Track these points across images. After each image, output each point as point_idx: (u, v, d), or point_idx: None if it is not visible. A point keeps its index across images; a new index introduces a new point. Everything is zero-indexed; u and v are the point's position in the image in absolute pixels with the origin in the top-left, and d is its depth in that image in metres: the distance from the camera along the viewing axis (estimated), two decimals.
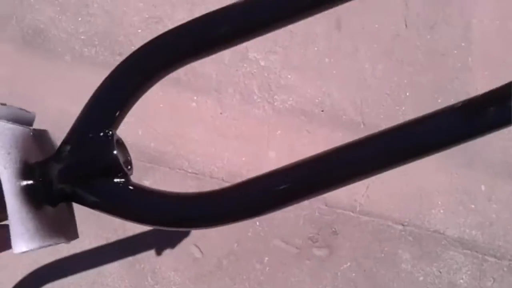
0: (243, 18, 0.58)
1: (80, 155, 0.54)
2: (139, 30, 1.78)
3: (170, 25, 1.73)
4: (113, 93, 0.59)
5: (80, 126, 0.57)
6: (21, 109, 0.56)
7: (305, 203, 1.62)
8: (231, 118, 1.71)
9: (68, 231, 0.56)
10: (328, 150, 0.54)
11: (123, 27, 1.78)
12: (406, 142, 0.56)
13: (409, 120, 0.54)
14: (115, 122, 0.56)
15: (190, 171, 1.64)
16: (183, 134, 1.67)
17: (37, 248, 0.46)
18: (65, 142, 0.56)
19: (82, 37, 1.76)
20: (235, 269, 1.57)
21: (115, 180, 0.52)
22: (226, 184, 1.58)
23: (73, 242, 1.51)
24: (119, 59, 1.70)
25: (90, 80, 1.71)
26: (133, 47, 1.75)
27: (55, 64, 1.73)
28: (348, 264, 1.58)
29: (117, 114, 0.55)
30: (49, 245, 0.49)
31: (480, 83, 1.80)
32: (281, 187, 0.55)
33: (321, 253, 1.59)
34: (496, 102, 0.51)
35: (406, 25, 1.87)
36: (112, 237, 1.57)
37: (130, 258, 1.57)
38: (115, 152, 0.52)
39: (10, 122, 0.52)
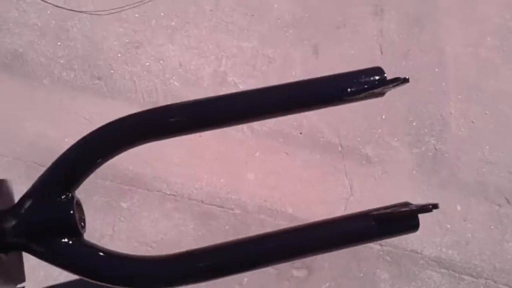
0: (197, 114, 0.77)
1: (39, 213, 0.66)
2: (119, 55, 1.95)
3: (150, 50, 1.92)
4: (78, 158, 0.73)
5: (43, 185, 0.69)
6: None
7: (284, 223, 1.77)
8: (210, 140, 1.87)
9: (16, 275, 0.69)
10: (249, 238, 0.72)
11: (103, 52, 1.95)
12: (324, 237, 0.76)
13: (330, 218, 0.75)
14: (76, 184, 0.70)
15: (168, 193, 1.78)
16: (162, 157, 1.82)
17: None
18: (26, 196, 0.68)
19: (61, 61, 1.93)
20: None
21: (69, 239, 0.65)
22: (205, 206, 1.72)
23: (52, 266, 1.61)
24: (98, 83, 1.87)
25: (68, 104, 1.87)
26: (112, 71, 1.93)
27: (34, 88, 1.89)
28: (327, 284, 1.72)
29: (79, 177, 0.69)
30: None
31: (454, 107, 2.02)
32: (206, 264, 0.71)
33: (300, 274, 1.73)
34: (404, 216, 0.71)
35: (381, 52, 2.10)
36: None
37: None
38: (72, 212, 0.66)
39: None
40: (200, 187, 1.80)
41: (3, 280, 0.64)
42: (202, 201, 1.79)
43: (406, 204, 0.72)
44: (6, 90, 1.88)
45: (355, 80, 0.76)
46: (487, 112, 2.03)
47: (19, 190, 1.65)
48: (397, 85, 0.74)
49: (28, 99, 1.88)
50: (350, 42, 2.10)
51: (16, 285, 0.66)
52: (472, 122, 2.01)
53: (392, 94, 2.02)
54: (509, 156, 1.96)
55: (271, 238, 0.72)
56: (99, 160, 0.72)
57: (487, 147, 1.97)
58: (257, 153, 1.87)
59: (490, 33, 2.18)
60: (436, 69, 2.09)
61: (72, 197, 0.67)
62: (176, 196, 1.79)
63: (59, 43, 1.97)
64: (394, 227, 0.72)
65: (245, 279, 1.71)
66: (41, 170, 1.84)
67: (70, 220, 0.64)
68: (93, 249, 0.67)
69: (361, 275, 1.75)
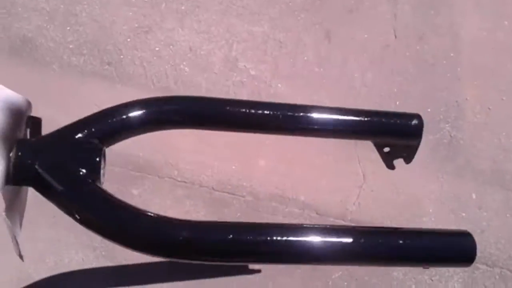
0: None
1: (69, 150, 0.64)
2: (128, 39, 1.93)
3: (160, 35, 1.90)
4: (123, 116, 0.71)
5: (74, 127, 0.68)
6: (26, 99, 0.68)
7: (296, 210, 1.75)
8: None
9: (17, 213, 0.67)
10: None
11: (112, 36, 1.92)
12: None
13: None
14: (110, 140, 0.68)
15: (179, 179, 1.77)
16: (172, 143, 1.80)
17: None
18: (53, 134, 0.66)
19: (71, 46, 1.91)
20: (226, 280, 1.68)
21: (88, 179, 0.63)
22: (216, 194, 1.71)
23: (62, 252, 1.61)
24: (108, 68, 1.85)
25: (78, 90, 1.85)
26: (122, 56, 1.90)
27: (43, 73, 1.87)
28: (340, 273, 1.70)
29: (115, 135, 0.68)
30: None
31: (470, 93, 1.97)
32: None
33: None
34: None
35: (395, 36, 2.05)
36: (99, 246, 1.67)
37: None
38: (98, 159, 0.63)
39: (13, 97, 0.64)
40: (211, 174, 1.79)
41: (8, 208, 0.62)
42: (213, 188, 1.77)
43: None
44: (15, 75, 1.86)
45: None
46: (504, 98, 1.98)
47: None
48: None
49: (37, 85, 1.86)
50: (363, 26, 2.06)
51: (11, 221, 0.63)
52: (489, 108, 1.97)
53: (407, 79, 1.98)
54: None
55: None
56: (142, 127, 0.71)
57: (504, 134, 1.93)
58: (268, 140, 1.85)
59: (507, 16, 2.12)
60: (452, 54, 2.05)
61: (101, 147, 0.65)
62: (187, 183, 1.77)
63: (68, 28, 1.94)
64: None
65: (256, 266, 1.70)
66: None
67: (95, 163, 0.61)
68: (113, 199, 0.62)
69: None
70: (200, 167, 1.80)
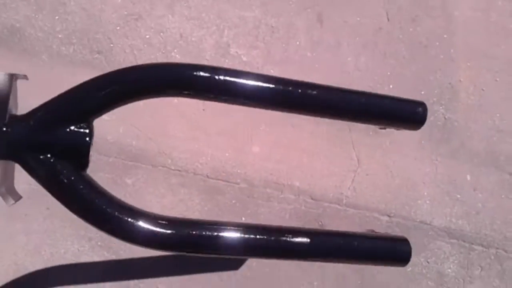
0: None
1: (56, 131, 0.64)
2: (118, 27, 1.90)
3: (150, 22, 1.87)
4: (106, 87, 0.70)
5: (71, 104, 0.67)
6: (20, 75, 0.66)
7: (291, 196, 1.75)
8: (214, 114, 1.83)
9: (8, 187, 0.66)
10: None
11: (102, 25, 1.90)
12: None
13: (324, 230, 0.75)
14: (96, 114, 0.67)
15: (173, 168, 1.76)
16: (166, 132, 1.79)
17: None
18: (40, 109, 0.65)
19: (60, 36, 1.88)
20: (222, 265, 1.68)
21: (75, 165, 0.62)
22: (210, 181, 1.70)
23: (58, 243, 1.60)
24: (97, 57, 1.83)
25: (68, 80, 1.82)
26: (112, 45, 1.88)
27: (32, 64, 1.85)
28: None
29: (102, 107, 0.67)
30: None
31: (463, 74, 1.97)
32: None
33: None
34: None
35: (388, 19, 2.03)
36: (94, 237, 1.67)
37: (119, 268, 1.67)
38: (88, 142, 0.63)
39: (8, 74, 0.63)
40: (205, 162, 1.78)
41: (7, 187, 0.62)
42: (207, 176, 1.77)
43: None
44: (4, 66, 1.84)
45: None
46: (498, 79, 1.98)
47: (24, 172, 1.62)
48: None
49: (27, 75, 1.84)
50: (355, 9, 2.04)
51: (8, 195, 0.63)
52: (482, 89, 1.96)
53: (400, 62, 1.97)
54: None
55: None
56: (125, 96, 0.70)
57: (498, 115, 1.93)
58: (262, 126, 1.84)
59: None
60: (445, 35, 2.03)
61: (91, 127, 0.65)
62: (181, 171, 1.77)
63: (56, 17, 1.92)
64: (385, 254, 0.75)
65: (254, 263, 1.70)
66: None
67: (85, 145, 0.61)
68: (95, 185, 0.63)
69: None
70: (194, 155, 1.79)
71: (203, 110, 1.84)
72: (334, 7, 2.03)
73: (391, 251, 0.76)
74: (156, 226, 0.64)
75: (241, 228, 0.67)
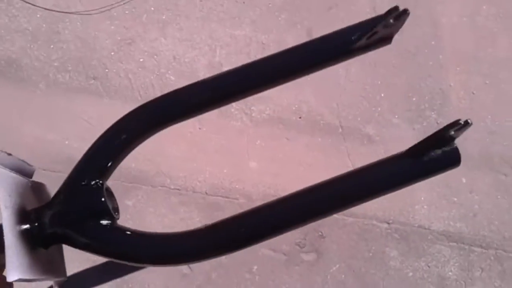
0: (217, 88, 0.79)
1: (72, 201, 0.69)
2: (112, 53, 1.95)
3: (143, 46, 1.92)
4: (106, 148, 0.75)
5: (74, 176, 0.73)
6: (23, 161, 0.72)
7: None
8: (210, 132, 1.87)
9: (57, 271, 0.71)
10: (294, 193, 0.74)
11: (96, 51, 1.95)
12: (362, 186, 0.76)
13: (365, 166, 0.74)
14: (106, 173, 0.72)
15: (172, 187, 1.79)
16: (163, 152, 1.82)
17: (27, 279, 0.60)
18: (59, 191, 0.71)
19: (55, 64, 1.93)
20: (224, 282, 1.70)
21: (103, 223, 0.67)
22: (210, 198, 1.73)
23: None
24: (93, 83, 1.87)
25: (66, 106, 1.87)
26: (107, 70, 1.92)
27: (30, 93, 1.89)
28: (337, 266, 1.73)
29: (108, 166, 0.72)
30: (39, 280, 0.63)
31: (453, 79, 2.00)
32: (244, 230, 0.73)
33: (309, 258, 1.73)
34: (441, 145, 0.70)
35: None
36: (99, 259, 1.69)
37: (118, 280, 1.69)
38: (103, 199, 0.68)
39: (13, 171, 0.68)
40: (203, 179, 1.81)
41: (44, 272, 0.66)
42: (206, 193, 1.80)
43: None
44: (2, 96, 1.88)
45: (356, 28, 0.77)
46: (487, 81, 2.01)
47: None
48: (398, 17, 0.71)
49: (25, 104, 1.88)
50: (343, 22, 2.07)
51: (58, 279, 0.68)
52: (473, 93, 1.99)
53: (390, 71, 2.01)
54: None
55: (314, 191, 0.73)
56: (124, 150, 0.75)
57: (489, 117, 1.96)
58: (258, 141, 1.87)
59: (485, 1, 2.14)
60: (433, 42, 2.07)
61: (102, 184, 0.69)
62: (180, 190, 1.80)
63: (51, 46, 1.96)
64: (434, 161, 0.71)
65: (255, 266, 1.72)
66: (45, 174, 1.86)
67: (100, 203, 0.67)
68: (129, 231, 0.68)
69: (370, 254, 1.75)
70: (193, 173, 1.82)
71: (199, 128, 1.87)
72: (322, 21, 2.07)
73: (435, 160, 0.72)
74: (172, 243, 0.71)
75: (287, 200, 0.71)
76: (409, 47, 2.05)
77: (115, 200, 0.71)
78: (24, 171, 0.71)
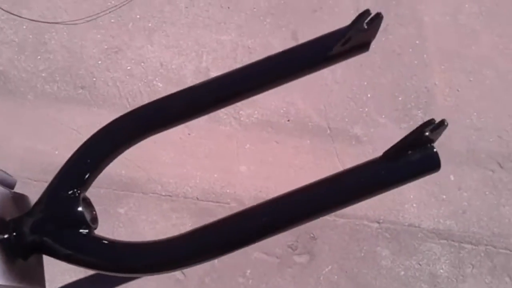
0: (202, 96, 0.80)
1: (51, 210, 0.70)
2: (99, 62, 1.95)
3: (130, 54, 1.92)
4: (84, 159, 0.76)
5: (53, 186, 0.73)
6: (4, 172, 0.72)
7: None
8: (200, 137, 1.87)
9: (36, 283, 0.72)
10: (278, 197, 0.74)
11: (83, 60, 1.95)
12: (340, 191, 0.76)
13: (341, 171, 0.74)
14: (84, 184, 0.72)
15: (163, 194, 1.79)
16: (153, 159, 1.82)
17: (1, 284, 0.60)
18: (39, 200, 0.72)
19: (43, 75, 1.93)
20: (217, 286, 1.70)
21: (80, 232, 0.68)
22: (201, 203, 1.73)
23: (55, 277, 1.62)
24: (81, 93, 1.87)
25: (55, 116, 1.87)
26: (94, 79, 1.92)
27: (19, 104, 1.89)
28: (329, 267, 1.73)
29: (86, 177, 0.73)
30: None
31: (438, 77, 2.02)
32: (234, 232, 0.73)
33: (302, 260, 1.74)
34: (419, 148, 0.70)
35: None
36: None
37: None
38: (80, 208, 0.69)
39: None
40: (194, 185, 1.81)
41: (22, 283, 0.66)
42: (197, 198, 1.80)
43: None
44: None
45: (332, 35, 0.77)
46: (471, 79, 2.03)
47: None
48: (372, 21, 0.71)
49: (14, 116, 1.88)
50: (327, 24, 2.09)
51: None
52: (458, 90, 2.01)
53: (376, 71, 2.02)
54: (497, 120, 1.97)
55: (290, 198, 0.73)
56: (103, 160, 0.75)
57: (475, 113, 1.98)
58: (247, 145, 1.88)
59: None
60: (417, 41, 2.09)
61: (79, 193, 0.70)
62: (171, 196, 1.80)
63: (38, 57, 1.96)
64: (413, 165, 0.71)
65: (248, 270, 1.73)
66: (35, 185, 1.84)
67: (77, 213, 0.67)
68: (106, 241, 0.69)
69: (362, 254, 1.76)
70: (183, 179, 1.82)
71: (189, 134, 1.88)
72: (307, 24, 2.09)
73: (418, 161, 0.72)
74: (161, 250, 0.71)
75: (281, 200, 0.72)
76: (394, 47, 2.07)
77: (94, 210, 0.72)
78: (5, 182, 0.71)
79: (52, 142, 1.84)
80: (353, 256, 1.76)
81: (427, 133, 0.66)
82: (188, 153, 1.85)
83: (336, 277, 1.73)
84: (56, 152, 1.82)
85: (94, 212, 0.71)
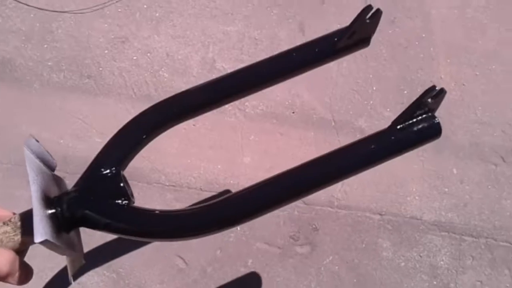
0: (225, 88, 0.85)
1: (92, 186, 0.74)
2: (106, 51, 1.96)
3: (136, 43, 1.93)
4: (123, 141, 0.80)
5: (94, 165, 0.77)
6: (48, 153, 0.75)
7: None
8: (204, 128, 1.89)
9: (76, 254, 0.75)
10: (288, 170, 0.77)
11: (90, 50, 1.96)
12: (348, 161, 0.79)
13: (346, 145, 0.78)
14: (123, 163, 0.76)
15: (167, 184, 1.81)
16: (158, 149, 1.84)
17: (54, 243, 0.62)
18: (79, 179, 0.75)
19: (49, 64, 1.94)
20: (220, 275, 1.73)
21: (121, 203, 0.72)
22: (204, 194, 1.75)
23: (56, 262, 1.65)
24: (87, 82, 1.89)
25: (61, 105, 1.89)
26: (101, 69, 1.94)
27: (25, 93, 1.90)
28: (331, 258, 1.75)
29: (125, 156, 0.77)
30: (64, 251, 0.66)
31: (444, 71, 2.02)
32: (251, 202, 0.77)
33: (303, 250, 1.76)
34: (421, 116, 0.75)
35: None
36: (96, 256, 1.72)
37: (113, 275, 1.72)
38: (122, 184, 0.73)
39: (39, 159, 0.72)
40: (198, 175, 1.83)
41: (68, 250, 0.70)
42: (201, 189, 1.82)
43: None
44: None
45: (338, 31, 0.83)
46: (478, 73, 2.03)
47: (19, 195, 1.69)
48: (372, 17, 0.78)
49: (20, 105, 1.90)
50: (335, 15, 2.09)
51: (75, 261, 0.72)
52: (463, 84, 2.01)
53: (382, 64, 2.02)
54: (502, 115, 1.97)
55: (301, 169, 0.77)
56: (139, 143, 0.82)
57: (480, 108, 1.98)
58: (252, 137, 1.89)
59: None
60: (424, 35, 2.09)
61: (119, 170, 0.75)
62: (175, 186, 1.82)
63: (45, 46, 1.98)
64: (414, 133, 0.75)
65: (250, 260, 1.75)
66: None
67: (120, 188, 0.73)
68: (145, 209, 0.75)
69: (363, 245, 1.78)
70: (187, 169, 1.84)
71: (194, 125, 1.89)
72: (314, 16, 2.08)
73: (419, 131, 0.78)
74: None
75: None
76: (401, 40, 2.07)
77: (130, 187, 0.77)
78: (47, 163, 0.76)
79: (57, 130, 1.86)
80: (354, 247, 1.78)
81: (429, 100, 0.72)
82: (193, 144, 1.87)
83: (337, 267, 1.75)
84: (61, 141, 1.84)
85: (130, 189, 0.77)
